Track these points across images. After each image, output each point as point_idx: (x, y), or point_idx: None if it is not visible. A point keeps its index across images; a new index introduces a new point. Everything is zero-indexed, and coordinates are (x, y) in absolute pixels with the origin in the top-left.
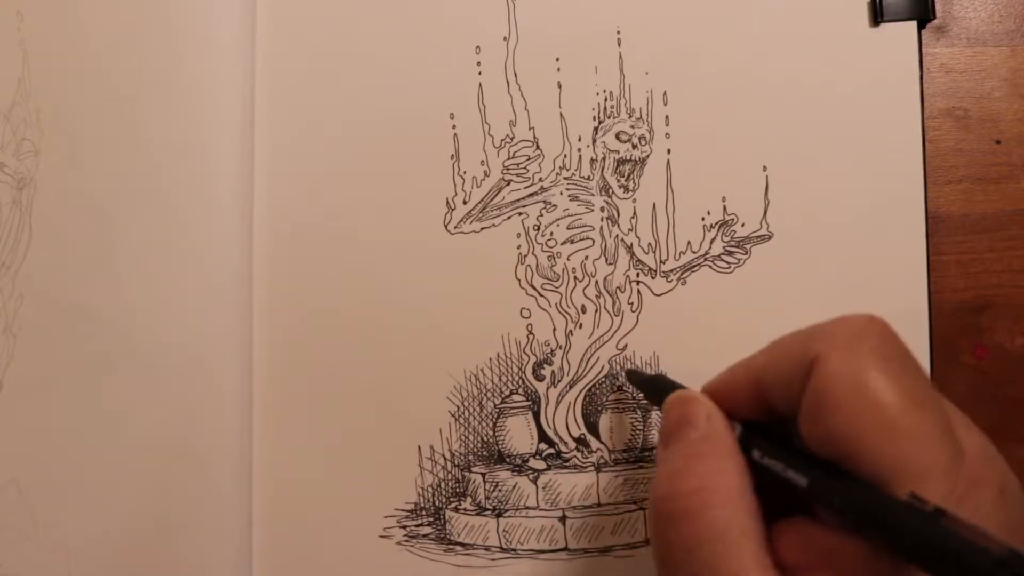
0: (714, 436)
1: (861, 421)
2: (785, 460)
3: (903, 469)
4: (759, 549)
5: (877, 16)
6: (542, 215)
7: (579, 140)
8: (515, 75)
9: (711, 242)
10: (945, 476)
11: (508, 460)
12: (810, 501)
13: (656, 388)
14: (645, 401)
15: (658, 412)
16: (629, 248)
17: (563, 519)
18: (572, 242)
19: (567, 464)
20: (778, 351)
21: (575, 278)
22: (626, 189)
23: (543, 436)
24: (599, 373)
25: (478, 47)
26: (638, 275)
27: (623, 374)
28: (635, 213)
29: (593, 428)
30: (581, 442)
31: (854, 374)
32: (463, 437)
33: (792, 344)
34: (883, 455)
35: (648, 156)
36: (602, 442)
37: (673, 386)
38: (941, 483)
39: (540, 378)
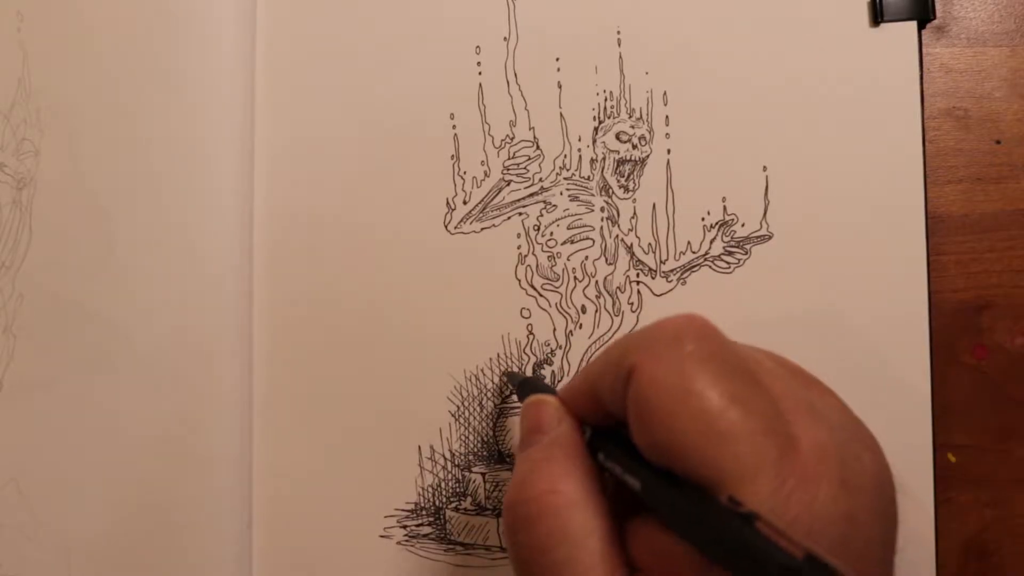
0: (562, 440)
1: (680, 428)
2: (623, 464)
3: (727, 471)
4: (607, 549)
5: (877, 16)
6: (542, 215)
7: (579, 140)
8: (515, 75)
9: (711, 242)
10: (770, 475)
11: (508, 460)
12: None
13: (524, 390)
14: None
15: None
16: (629, 248)
17: None
18: (572, 242)
19: None
20: (605, 359)
21: (575, 278)
22: (626, 189)
23: None
24: None
25: (478, 47)
26: (638, 275)
27: (502, 376)
28: (635, 213)
29: None
30: None
31: (669, 381)
32: (463, 437)
33: (614, 352)
34: (705, 459)
35: (648, 156)
36: None
37: (539, 388)
38: (766, 482)
39: (540, 378)
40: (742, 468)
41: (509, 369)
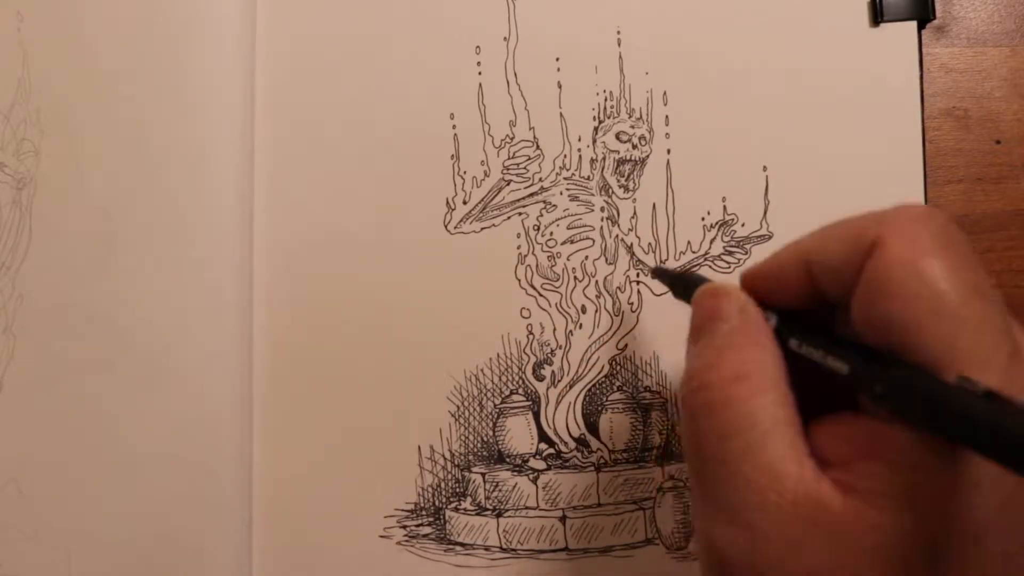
0: (747, 327)
1: (921, 307)
2: (825, 347)
3: (960, 358)
4: (795, 439)
5: (877, 16)
6: (542, 215)
7: (579, 140)
8: (515, 75)
9: (711, 242)
10: (1002, 371)
11: (508, 460)
12: (851, 388)
13: (685, 284)
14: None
15: (658, 412)
16: (629, 248)
17: (563, 519)
18: (572, 242)
19: (567, 464)
20: (832, 234)
21: (575, 278)
22: (626, 189)
23: (543, 436)
24: (599, 373)
25: (478, 47)
26: (638, 275)
27: (650, 272)
28: (635, 213)
29: (593, 428)
30: (581, 442)
31: (916, 259)
32: (463, 437)
33: (848, 228)
34: (941, 343)
35: (648, 156)
36: (602, 442)
37: (702, 280)
38: (997, 377)
39: (540, 378)
40: (976, 358)
41: (659, 265)
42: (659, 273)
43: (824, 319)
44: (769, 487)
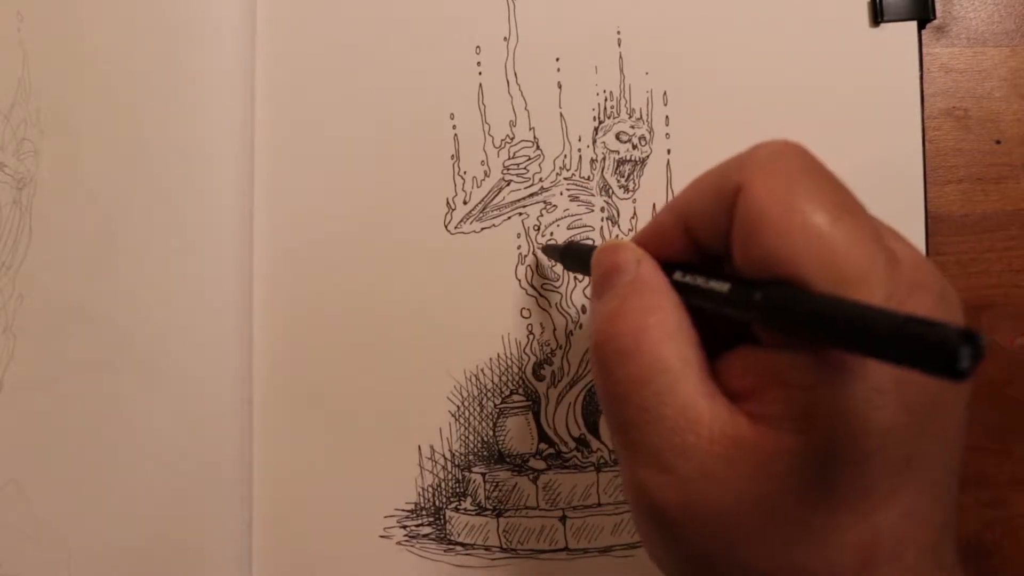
0: (646, 276)
1: (793, 236)
2: (706, 274)
3: (840, 276)
4: (705, 377)
5: (877, 16)
6: (542, 215)
7: (579, 140)
8: (515, 75)
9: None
10: (883, 280)
11: (508, 460)
12: (735, 311)
13: (576, 254)
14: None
15: None
16: None
17: (563, 519)
18: None
19: (567, 464)
20: (700, 187)
21: (575, 278)
22: (626, 189)
23: (543, 436)
24: None
25: (478, 47)
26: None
27: (537, 253)
28: (635, 213)
29: (593, 428)
30: (581, 442)
31: (780, 192)
32: (463, 437)
33: (713, 178)
34: (818, 265)
35: (648, 156)
36: (602, 442)
37: (591, 247)
38: (881, 287)
39: (540, 378)
40: (855, 273)
41: (547, 244)
42: (547, 250)
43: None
44: (687, 428)
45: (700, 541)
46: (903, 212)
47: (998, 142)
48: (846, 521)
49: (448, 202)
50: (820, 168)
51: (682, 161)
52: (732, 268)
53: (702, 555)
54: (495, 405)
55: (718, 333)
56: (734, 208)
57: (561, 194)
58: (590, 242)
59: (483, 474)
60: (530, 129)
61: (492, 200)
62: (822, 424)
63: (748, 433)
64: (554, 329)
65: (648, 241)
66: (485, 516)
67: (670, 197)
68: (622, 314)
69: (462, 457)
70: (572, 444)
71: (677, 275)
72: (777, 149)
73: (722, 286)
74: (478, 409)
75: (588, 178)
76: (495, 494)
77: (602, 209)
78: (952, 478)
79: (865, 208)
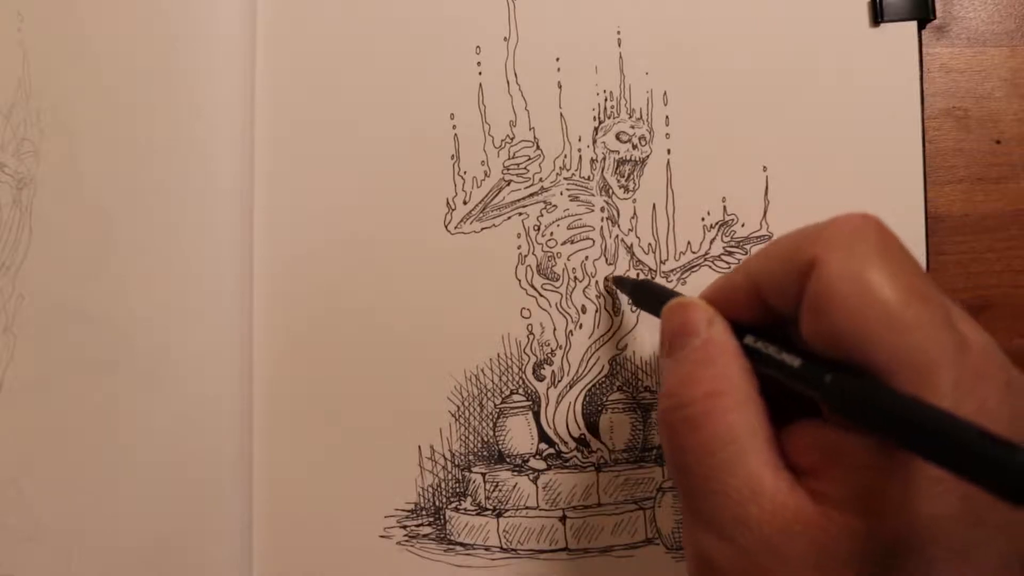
0: (717, 340)
1: (864, 317)
2: (779, 344)
3: (908, 362)
4: (771, 449)
5: (877, 16)
6: (542, 215)
7: (579, 140)
8: (515, 75)
9: (711, 242)
10: (951, 367)
11: (508, 460)
12: (805, 387)
13: (647, 293)
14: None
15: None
16: (629, 248)
17: (563, 519)
18: (572, 242)
19: (567, 464)
20: (774, 254)
21: (575, 278)
22: (626, 189)
23: (543, 436)
24: (599, 373)
25: (478, 47)
26: (638, 275)
27: (607, 281)
28: (635, 213)
29: (593, 428)
30: (581, 442)
31: (854, 272)
32: (463, 437)
33: (788, 247)
34: (887, 349)
35: (648, 156)
36: (602, 442)
37: (664, 291)
38: (948, 374)
39: (540, 378)
40: (923, 359)
41: (614, 275)
42: (620, 282)
43: (785, 335)
44: (750, 500)
45: None
46: (903, 212)
47: (998, 142)
48: None
49: (448, 202)
50: (896, 247)
51: (682, 161)
52: (800, 336)
53: None
54: (495, 405)
55: (782, 400)
56: (807, 280)
57: (561, 194)
58: (663, 283)
59: (483, 474)
60: (530, 129)
61: (492, 200)
62: (882, 508)
63: (808, 510)
64: (554, 329)
65: (717, 298)
66: (485, 516)
67: (670, 197)
68: (693, 380)
69: (462, 457)
70: (572, 444)
71: (748, 339)
72: (854, 226)
73: (793, 360)
74: (478, 409)
75: (588, 178)
76: (495, 494)
77: (602, 209)
78: (1015, 567)
79: (937, 290)
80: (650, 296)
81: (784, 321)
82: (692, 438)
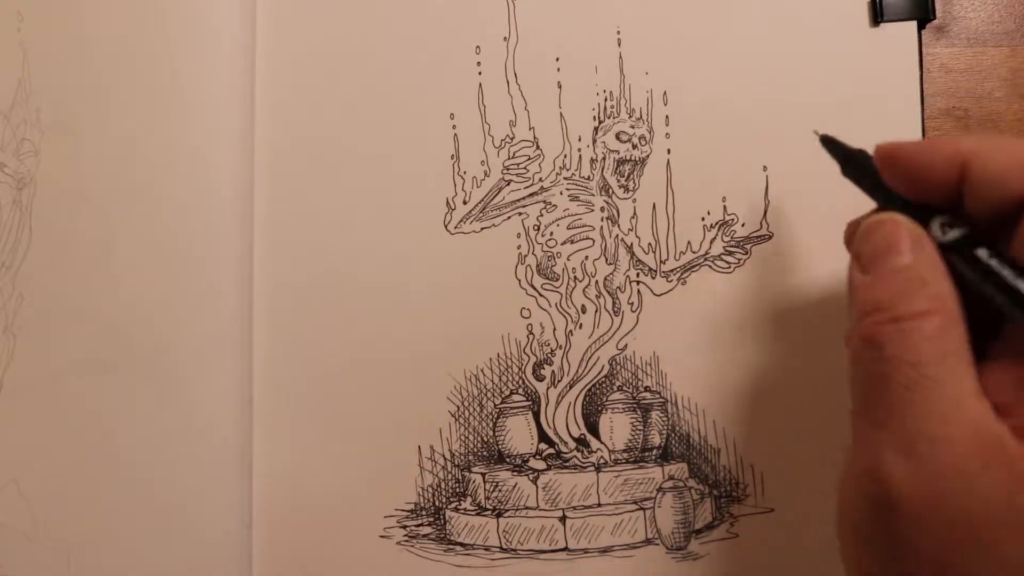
0: (931, 261)
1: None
2: (1012, 266)
3: None
4: (975, 377)
5: (877, 16)
6: (542, 215)
7: (579, 140)
8: (515, 75)
9: (711, 242)
10: None
11: (508, 460)
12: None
13: (858, 167)
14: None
15: (658, 412)
16: (629, 248)
17: (563, 519)
18: (572, 242)
19: (567, 464)
20: (1003, 145)
21: (575, 278)
22: (626, 189)
23: (543, 436)
24: (599, 373)
25: (478, 47)
26: (638, 275)
27: (820, 138)
28: (635, 213)
29: (593, 428)
30: (581, 442)
31: (1005, 144)
32: (463, 437)
33: (933, 147)
34: None
35: (648, 156)
36: (602, 442)
37: (876, 179)
38: None
39: (540, 378)
40: None
41: (827, 135)
42: (827, 142)
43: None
44: (953, 420)
45: (928, 541)
46: None
47: None
48: None
49: (448, 202)
50: None
51: (682, 161)
52: (994, 240)
53: (924, 558)
54: (495, 405)
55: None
56: (965, 171)
57: (561, 194)
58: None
59: (483, 474)
60: (530, 129)
61: (492, 200)
62: None
63: (1012, 444)
64: (554, 329)
65: (906, 162)
66: (485, 516)
67: (670, 197)
68: (909, 296)
69: (462, 457)
70: (572, 444)
71: (982, 254)
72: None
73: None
74: (478, 409)
75: (588, 178)
76: (495, 494)
77: (602, 209)
78: None
79: None
80: (863, 170)
81: (968, 215)
82: (903, 347)
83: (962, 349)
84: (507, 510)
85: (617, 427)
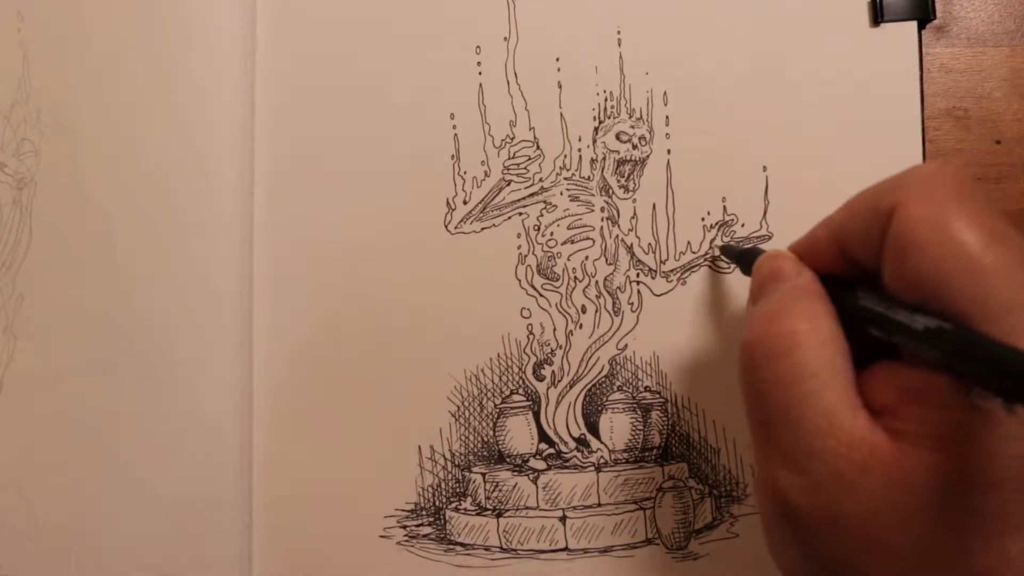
0: (805, 284)
1: (945, 260)
2: (887, 303)
3: (989, 304)
4: (851, 390)
5: (877, 16)
6: (542, 215)
7: (579, 140)
8: (515, 75)
9: (711, 242)
10: None
11: (508, 460)
12: (913, 343)
13: (748, 259)
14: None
15: (658, 412)
16: (629, 248)
17: (563, 519)
18: (572, 242)
19: (567, 464)
20: (856, 206)
21: (575, 278)
22: (626, 189)
23: (543, 436)
24: (599, 373)
25: (478, 47)
26: (638, 275)
27: (716, 250)
28: (635, 213)
29: (593, 428)
30: (581, 442)
31: (934, 216)
32: (463, 437)
33: (869, 198)
34: (968, 291)
35: (648, 156)
36: (602, 442)
37: (756, 251)
38: None
39: (540, 378)
40: (1004, 302)
41: (727, 244)
42: (726, 251)
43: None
44: (827, 433)
45: (827, 545)
46: None
47: (998, 142)
48: (976, 545)
49: (448, 202)
50: (974, 193)
51: (682, 161)
52: (882, 286)
53: (827, 559)
54: (495, 405)
55: (861, 346)
56: (887, 228)
57: (561, 194)
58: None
59: (483, 474)
60: (530, 129)
61: (492, 200)
62: (960, 446)
63: (886, 446)
64: (554, 329)
65: (803, 253)
66: (485, 516)
67: (670, 197)
68: (781, 315)
69: (462, 457)
70: (572, 444)
71: (859, 294)
72: (932, 172)
73: (914, 321)
74: (478, 409)
75: (588, 178)
76: (495, 494)
77: (602, 209)
78: None
79: (1017, 233)
80: (749, 260)
81: (864, 273)
82: (775, 368)
83: (836, 363)
84: (507, 510)
85: (617, 427)
